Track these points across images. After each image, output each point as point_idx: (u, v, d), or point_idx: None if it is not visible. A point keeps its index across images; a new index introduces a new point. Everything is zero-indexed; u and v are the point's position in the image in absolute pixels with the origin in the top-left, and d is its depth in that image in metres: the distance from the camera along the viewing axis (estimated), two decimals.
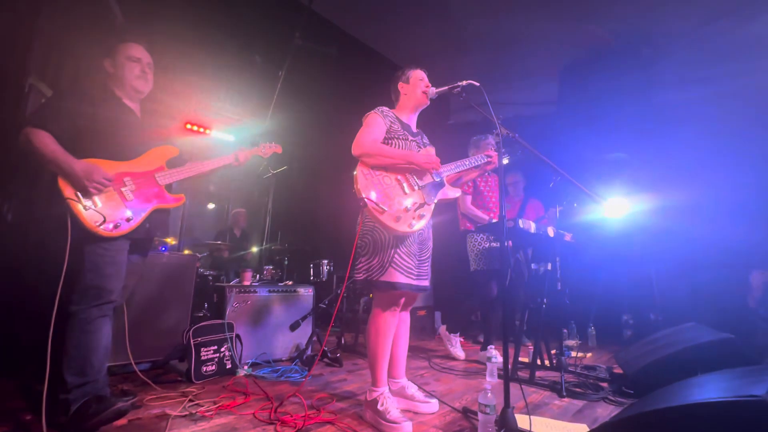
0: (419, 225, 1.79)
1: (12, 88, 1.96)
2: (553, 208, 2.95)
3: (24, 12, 2.07)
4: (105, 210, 1.57)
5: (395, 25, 4.32)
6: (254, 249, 5.29)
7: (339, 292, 3.52)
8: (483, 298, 3.07)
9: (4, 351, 2.14)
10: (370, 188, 1.74)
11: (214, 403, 1.87)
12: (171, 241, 3.62)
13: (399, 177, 1.83)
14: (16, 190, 2.07)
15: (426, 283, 1.92)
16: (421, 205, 1.82)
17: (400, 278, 1.77)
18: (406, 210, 1.77)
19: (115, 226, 1.59)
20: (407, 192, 1.82)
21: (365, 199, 1.70)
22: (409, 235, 1.81)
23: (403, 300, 1.88)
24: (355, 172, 1.77)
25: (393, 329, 1.85)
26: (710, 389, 1.20)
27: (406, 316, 2.01)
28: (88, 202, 1.56)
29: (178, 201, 1.84)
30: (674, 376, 1.62)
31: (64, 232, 1.50)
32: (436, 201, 1.91)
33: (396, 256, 1.78)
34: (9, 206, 2.07)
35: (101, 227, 1.55)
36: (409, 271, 1.81)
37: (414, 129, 2.05)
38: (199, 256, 2.87)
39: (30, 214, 2.23)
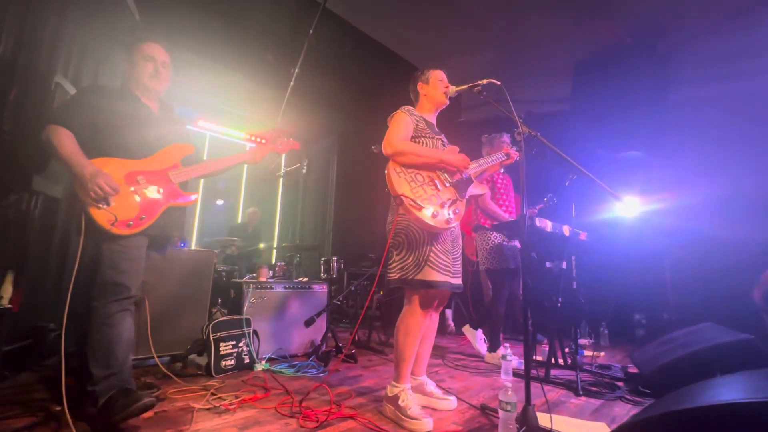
0: (455, 221, 1.78)
1: (40, 87, 1.99)
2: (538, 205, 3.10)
3: (50, 14, 2.10)
4: (118, 209, 1.59)
5: (409, 23, 4.31)
6: (261, 245, 5.34)
7: (352, 288, 3.55)
8: (498, 297, 3.05)
9: (30, 345, 2.20)
10: (404, 186, 1.73)
11: (236, 396, 1.90)
12: None
13: (431, 174, 1.83)
14: (42, 188, 2.11)
15: (460, 281, 1.89)
16: (455, 201, 1.81)
17: (437, 276, 1.74)
18: (442, 206, 1.75)
19: (128, 225, 1.61)
20: (440, 189, 1.81)
21: (401, 197, 1.69)
22: (444, 231, 1.80)
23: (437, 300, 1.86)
24: (386, 171, 1.75)
25: (423, 329, 1.83)
26: (736, 390, 1.20)
27: (435, 316, 1.99)
28: (101, 202, 1.57)
29: (192, 199, 1.85)
30: (692, 376, 1.62)
31: (81, 230, 1.55)
32: (467, 197, 1.91)
33: (432, 254, 1.75)
34: (35, 204, 2.11)
35: (114, 226, 1.57)
36: (446, 268, 1.78)
37: (435, 128, 2.05)
38: (217, 251, 2.90)
39: (54, 212, 2.28)
